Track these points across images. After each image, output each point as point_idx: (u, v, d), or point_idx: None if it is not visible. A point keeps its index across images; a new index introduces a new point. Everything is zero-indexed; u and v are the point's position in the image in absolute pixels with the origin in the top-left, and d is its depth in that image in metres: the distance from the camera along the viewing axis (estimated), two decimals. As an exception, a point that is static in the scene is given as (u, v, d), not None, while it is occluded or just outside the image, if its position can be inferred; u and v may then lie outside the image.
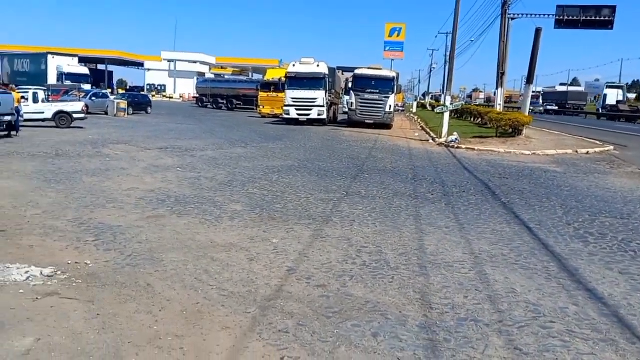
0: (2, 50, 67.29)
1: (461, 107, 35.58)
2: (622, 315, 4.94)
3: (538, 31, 23.83)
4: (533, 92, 38.98)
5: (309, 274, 5.77)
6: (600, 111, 58.14)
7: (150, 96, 45.57)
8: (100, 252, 6.20)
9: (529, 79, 25.48)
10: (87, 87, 41.28)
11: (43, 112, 22.38)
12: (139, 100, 37.75)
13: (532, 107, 35.92)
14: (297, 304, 4.92)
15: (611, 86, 61.35)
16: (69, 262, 5.79)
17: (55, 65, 49.23)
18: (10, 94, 18.61)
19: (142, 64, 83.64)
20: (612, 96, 58.05)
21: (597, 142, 23.14)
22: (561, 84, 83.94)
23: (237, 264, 5.98)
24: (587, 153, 19.78)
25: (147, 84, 79.61)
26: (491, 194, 11.19)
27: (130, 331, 4.23)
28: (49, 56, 50.52)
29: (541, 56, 24.36)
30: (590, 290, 5.60)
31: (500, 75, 27.77)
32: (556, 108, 67.01)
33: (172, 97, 74.33)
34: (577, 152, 19.98)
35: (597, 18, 26.32)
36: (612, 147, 21.17)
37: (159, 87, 78.73)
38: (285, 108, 30.98)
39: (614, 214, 9.46)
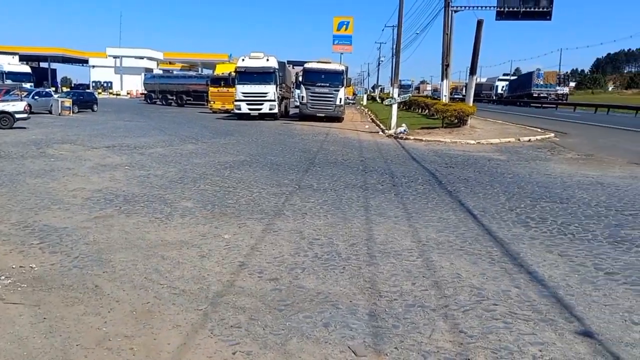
0: None
1: (409, 99, 36.27)
2: (561, 295, 5.20)
3: (480, 23, 24.46)
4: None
5: (261, 268, 5.81)
6: (494, 98, 75.38)
7: (95, 93, 44.27)
8: (45, 255, 6.04)
9: (472, 70, 26.11)
10: (29, 85, 39.82)
11: None
12: (84, 98, 36.63)
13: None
14: (249, 299, 4.95)
15: (501, 79, 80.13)
16: (13, 266, 5.63)
17: (-6, 65, 47.16)
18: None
19: (86, 61, 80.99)
20: (500, 87, 76.53)
21: (539, 130, 24.05)
22: (504, 74, 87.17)
23: (188, 262, 5.95)
24: (529, 141, 20.52)
25: (93, 81, 77.35)
26: (438, 183, 11.49)
27: (78, 334, 4.17)
28: (-12, 55, 48.35)
29: (484, 48, 25.03)
30: (531, 272, 5.86)
31: (445, 67, 28.29)
32: (461, 96, 70.82)
33: (119, 94, 72.38)
34: (519, 140, 20.67)
35: (536, 9, 27.15)
36: (553, 135, 22.05)
37: (105, 84, 76.55)
38: (236, 103, 30.68)
39: (553, 198, 9.90)
